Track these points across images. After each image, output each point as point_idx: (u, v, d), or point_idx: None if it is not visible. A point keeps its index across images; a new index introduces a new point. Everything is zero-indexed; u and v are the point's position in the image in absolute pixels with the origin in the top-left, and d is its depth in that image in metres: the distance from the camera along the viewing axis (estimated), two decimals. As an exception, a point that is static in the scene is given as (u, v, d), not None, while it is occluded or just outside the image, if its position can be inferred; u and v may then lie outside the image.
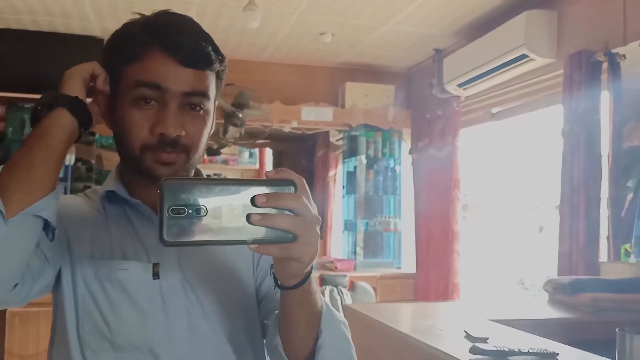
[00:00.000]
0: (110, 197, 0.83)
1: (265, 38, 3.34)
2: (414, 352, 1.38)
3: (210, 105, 0.81)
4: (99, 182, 3.32)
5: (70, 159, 3.33)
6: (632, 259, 2.12)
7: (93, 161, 3.46)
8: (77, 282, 0.77)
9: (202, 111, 0.79)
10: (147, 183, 0.80)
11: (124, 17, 0.82)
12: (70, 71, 0.77)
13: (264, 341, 0.83)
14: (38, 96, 0.75)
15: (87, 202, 0.86)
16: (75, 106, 0.73)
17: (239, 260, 0.85)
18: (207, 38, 0.79)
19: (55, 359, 0.80)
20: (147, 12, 0.81)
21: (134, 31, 0.78)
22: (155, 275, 0.78)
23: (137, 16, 0.81)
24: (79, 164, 3.43)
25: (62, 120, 0.72)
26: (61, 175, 3.29)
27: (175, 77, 0.75)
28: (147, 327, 0.76)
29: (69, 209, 0.81)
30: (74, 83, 0.75)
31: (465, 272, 3.30)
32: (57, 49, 3.17)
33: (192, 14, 0.84)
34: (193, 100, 0.78)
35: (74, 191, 3.24)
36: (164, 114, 0.76)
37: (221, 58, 0.81)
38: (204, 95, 0.79)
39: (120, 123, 0.79)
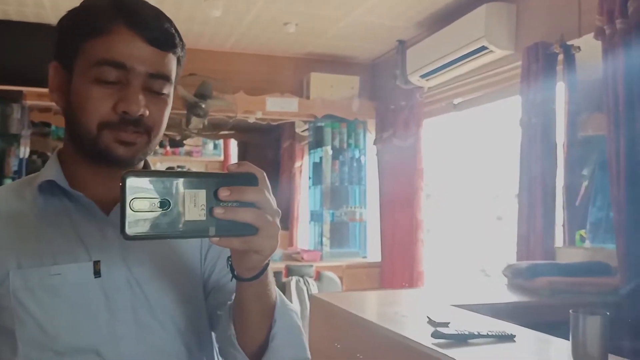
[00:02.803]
0: (47, 188, 0.77)
1: (228, 27, 3.29)
2: (379, 339, 1.41)
3: (172, 90, 0.80)
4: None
5: (25, 152, 3.20)
6: (587, 244, 2.22)
7: (49, 154, 3.35)
8: (5, 297, 0.72)
9: (164, 95, 0.78)
10: (94, 171, 0.77)
11: (80, 4, 0.79)
12: None
13: (213, 333, 0.83)
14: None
15: (16, 196, 0.79)
16: None
17: (187, 252, 0.83)
18: (170, 21, 0.79)
19: None
20: None
21: (98, 5, 0.76)
22: (97, 273, 0.74)
23: None
24: (34, 157, 3.31)
25: None
26: (16, 168, 3.22)
27: (141, 56, 0.74)
28: (89, 328, 0.73)
29: None
30: None
31: (429, 260, 3.37)
32: (10, 37, 3.04)
33: (152, 0, 0.82)
34: (156, 83, 0.76)
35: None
36: (128, 92, 0.73)
37: (183, 44, 0.80)
38: (168, 78, 0.77)
39: (76, 99, 0.75)
